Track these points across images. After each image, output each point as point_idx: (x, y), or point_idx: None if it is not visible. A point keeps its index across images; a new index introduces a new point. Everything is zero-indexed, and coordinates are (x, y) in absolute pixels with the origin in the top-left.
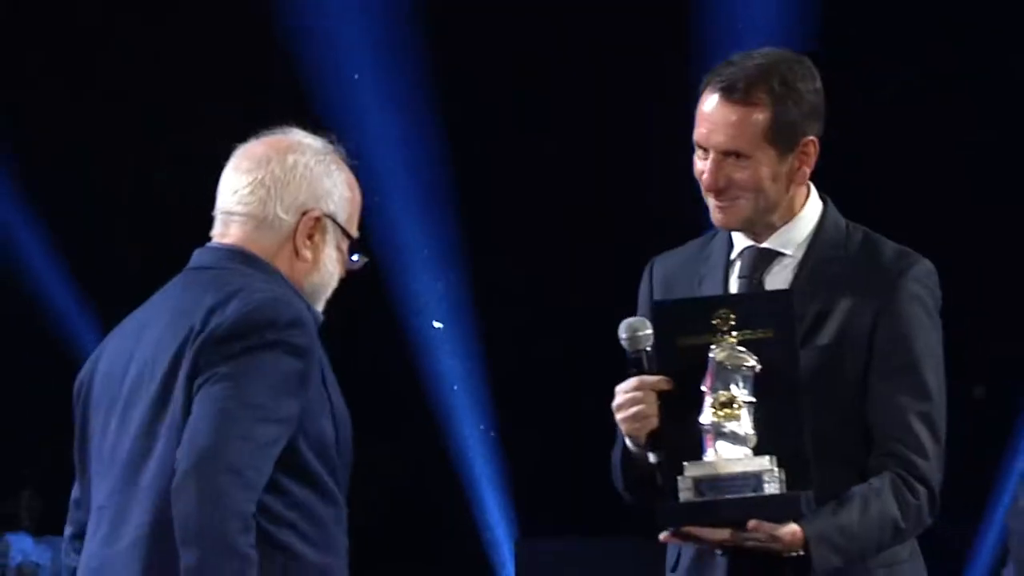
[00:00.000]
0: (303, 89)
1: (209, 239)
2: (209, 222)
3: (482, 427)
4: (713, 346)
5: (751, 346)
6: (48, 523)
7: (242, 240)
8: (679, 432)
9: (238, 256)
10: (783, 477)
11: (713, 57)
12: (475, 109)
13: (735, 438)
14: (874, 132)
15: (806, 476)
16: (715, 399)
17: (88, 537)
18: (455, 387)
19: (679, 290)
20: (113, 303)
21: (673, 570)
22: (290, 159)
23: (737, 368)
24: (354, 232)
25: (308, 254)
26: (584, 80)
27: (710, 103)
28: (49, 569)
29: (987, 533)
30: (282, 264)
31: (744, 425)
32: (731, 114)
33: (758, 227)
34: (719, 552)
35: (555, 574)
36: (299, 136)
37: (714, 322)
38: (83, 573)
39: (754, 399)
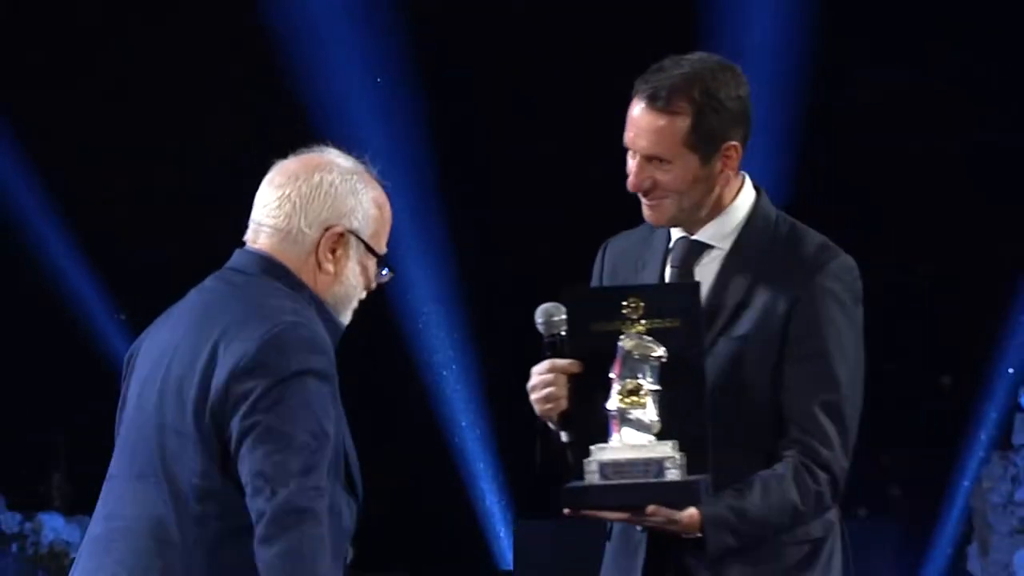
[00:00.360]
0: (292, 92)
1: (239, 242)
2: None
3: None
4: (622, 335)
5: (658, 334)
6: (78, 504)
7: (270, 249)
8: (588, 415)
9: (268, 265)
10: (684, 463)
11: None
12: (464, 108)
13: (640, 425)
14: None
15: (705, 461)
16: (622, 387)
17: (99, 501)
18: (444, 373)
19: (623, 272)
20: (135, 297)
21: (608, 538)
22: (316, 177)
23: (644, 358)
24: (380, 249)
25: (330, 267)
26: (573, 77)
27: (637, 109)
28: (78, 546)
29: (952, 512)
30: (307, 276)
31: (649, 413)
32: (654, 121)
33: (686, 223)
34: (639, 528)
35: (554, 554)
36: (331, 155)
37: (624, 310)
38: (88, 536)
39: (659, 387)
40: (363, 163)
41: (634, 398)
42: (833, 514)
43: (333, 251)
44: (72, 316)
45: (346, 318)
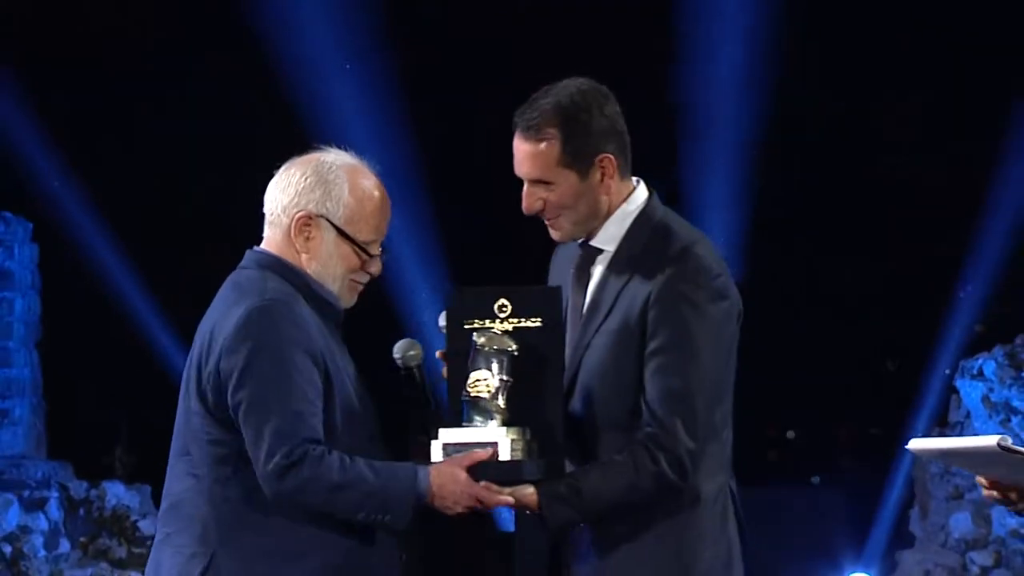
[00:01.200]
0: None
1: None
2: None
3: None
4: (475, 333)
5: (523, 332)
6: (137, 474)
7: (267, 238)
8: (456, 401)
9: (262, 257)
10: (524, 446)
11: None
12: (444, 98)
13: (483, 412)
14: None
15: (557, 446)
16: (472, 377)
17: None
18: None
19: (557, 274)
20: (173, 293)
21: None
22: (294, 170)
23: (495, 351)
24: (359, 235)
25: (302, 247)
26: (554, 69)
27: (516, 141)
28: (138, 511)
29: (896, 480)
30: (293, 259)
31: (495, 400)
32: (530, 149)
33: (585, 233)
34: None
35: None
36: (321, 152)
37: (495, 310)
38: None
39: (509, 378)
40: (362, 162)
41: (480, 387)
42: (709, 485)
43: (307, 236)
44: (130, 316)
45: (339, 295)
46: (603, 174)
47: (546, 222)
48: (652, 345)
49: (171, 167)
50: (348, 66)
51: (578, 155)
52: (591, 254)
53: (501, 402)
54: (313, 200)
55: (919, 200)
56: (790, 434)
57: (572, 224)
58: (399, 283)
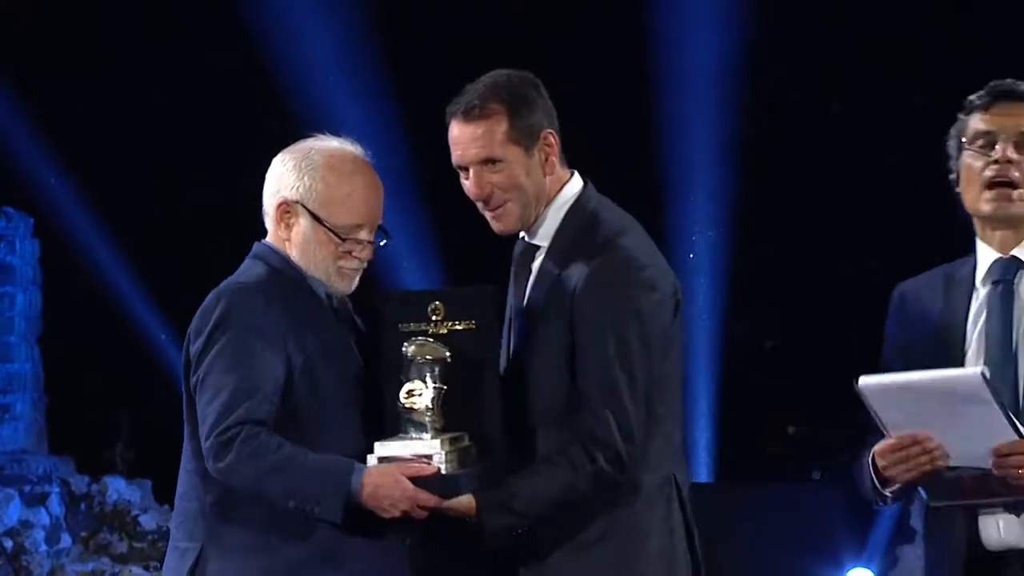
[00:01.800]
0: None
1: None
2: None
3: None
4: (406, 342)
5: (458, 335)
6: (138, 468)
7: (268, 235)
8: (391, 411)
9: (257, 247)
10: (457, 456)
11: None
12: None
13: (417, 424)
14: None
15: (497, 449)
16: (404, 388)
17: None
18: None
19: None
20: (174, 289)
21: None
22: (278, 158)
23: (426, 361)
24: (333, 219)
25: (284, 235)
26: (552, 68)
27: (456, 128)
28: (138, 505)
29: None
30: (282, 244)
31: (429, 411)
32: (475, 130)
33: (527, 224)
34: None
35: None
36: (310, 140)
37: (429, 312)
38: None
39: (443, 385)
40: (352, 145)
41: (413, 400)
42: (650, 478)
43: (288, 223)
44: (132, 311)
45: (327, 281)
46: (547, 153)
47: (490, 213)
48: (580, 339)
49: (173, 163)
50: (331, 78)
51: (524, 130)
52: (529, 251)
53: (436, 412)
54: (290, 186)
55: (918, 198)
56: (790, 429)
57: (521, 207)
58: (397, 282)
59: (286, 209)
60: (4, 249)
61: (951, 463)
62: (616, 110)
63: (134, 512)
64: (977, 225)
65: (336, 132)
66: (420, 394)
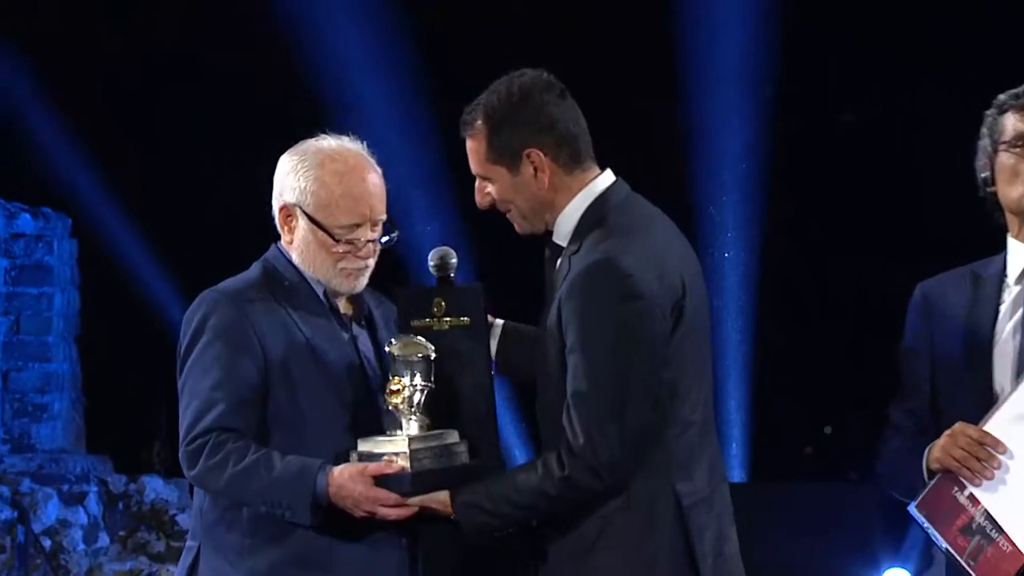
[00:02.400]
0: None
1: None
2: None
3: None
4: (392, 340)
5: (456, 331)
6: (176, 468)
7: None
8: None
9: (268, 250)
10: (431, 454)
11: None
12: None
13: (398, 420)
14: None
15: (489, 445)
16: (388, 386)
17: None
18: None
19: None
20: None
21: None
22: (280, 160)
23: (409, 359)
24: (330, 220)
25: (288, 238)
26: (582, 66)
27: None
28: (176, 504)
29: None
30: (287, 247)
31: (409, 409)
32: (469, 146)
33: (541, 227)
34: None
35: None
36: (310, 141)
37: (433, 308)
38: None
39: (428, 383)
40: (354, 145)
41: (396, 396)
42: (641, 488)
43: (290, 226)
44: (168, 311)
45: (328, 282)
46: (535, 168)
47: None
48: (567, 345)
49: (209, 163)
50: (365, 76)
51: (504, 150)
52: (555, 251)
53: (418, 409)
54: (288, 189)
55: (954, 200)
56: (827, 429)
57: (521, 218)
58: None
59: (287, 213)
60: (42, 249)
61: (985, 502)
62: (648, 110)
63: (171, 511)
64: (1012, 223)
65: (369, 131)
66: (402, 391)
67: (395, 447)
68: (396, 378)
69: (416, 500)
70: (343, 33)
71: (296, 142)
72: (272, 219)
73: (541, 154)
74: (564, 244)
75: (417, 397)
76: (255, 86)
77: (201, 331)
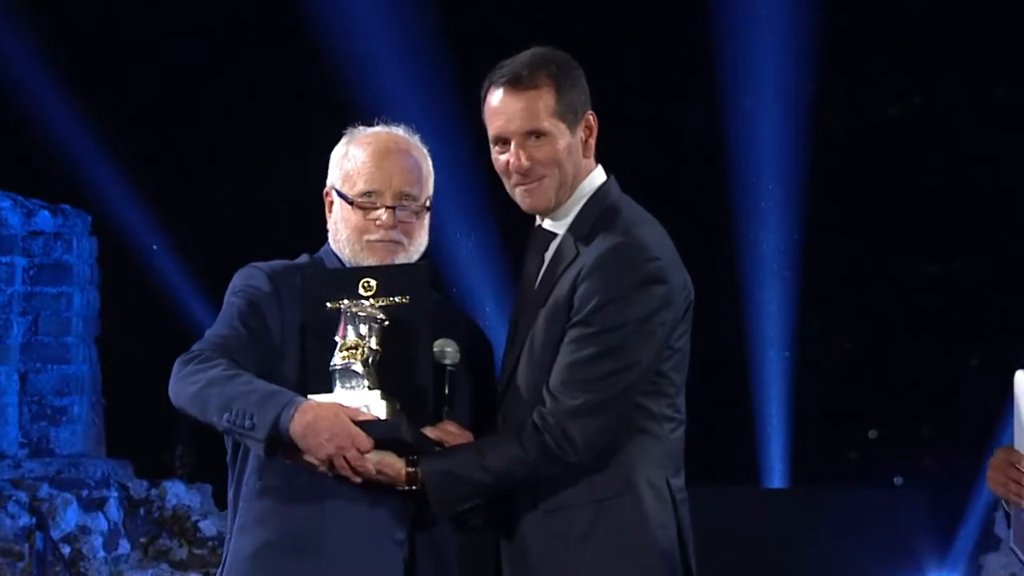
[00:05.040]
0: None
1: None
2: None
3: None
4: (346, 301)
5: (390, 310)
6: (198, 473)
7: None
8: (324, 384)
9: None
10: (391, 412)
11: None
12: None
13: (355, 377)
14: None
15: (427, 422)
16: (343, 343)
17: None
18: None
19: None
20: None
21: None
22: None
23: (367, 318)
24: (349, 190)
25: (330, 224)
26: (620, 64)
27: (500, 97)
28: (198, 511)
29: (982, 482)
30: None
31: (367, 367)
32: (522, 100)
33: (556, 205)
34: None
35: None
36: (355, 128)
37: (360, 289)
38: None
39: (378, 348)
40: (395, 130)
41: (352, 352)
42: (626, 477)
43: (331, 210)
44: (190, 311)
45: (353, 258)
46: (587, 135)
47: (523, 188)
48: (573, 319)
49: (231, 159)
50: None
51: (570, 107)
52: (544, 238)
53: (371, 370)
54: (330, 171)
55: (1004, 195)
56: (872, 433)
57: (556, 186)
58: (460, 274)
59: (329, 199)
60: (61, 248)
61: None
62: (684, 109)
63: (194, 518)
64: None
65: (398, 123)
66: (359, 350)
67: (363, 399)
68: (350, 337)
69: (377, 458)
70: (365, 27)
71: (319, 139)
72: (313, 211)
73: (595, 118)
74: (558, 231)
75: (371, 356)
76: (279, 82)
77: (233, 293)
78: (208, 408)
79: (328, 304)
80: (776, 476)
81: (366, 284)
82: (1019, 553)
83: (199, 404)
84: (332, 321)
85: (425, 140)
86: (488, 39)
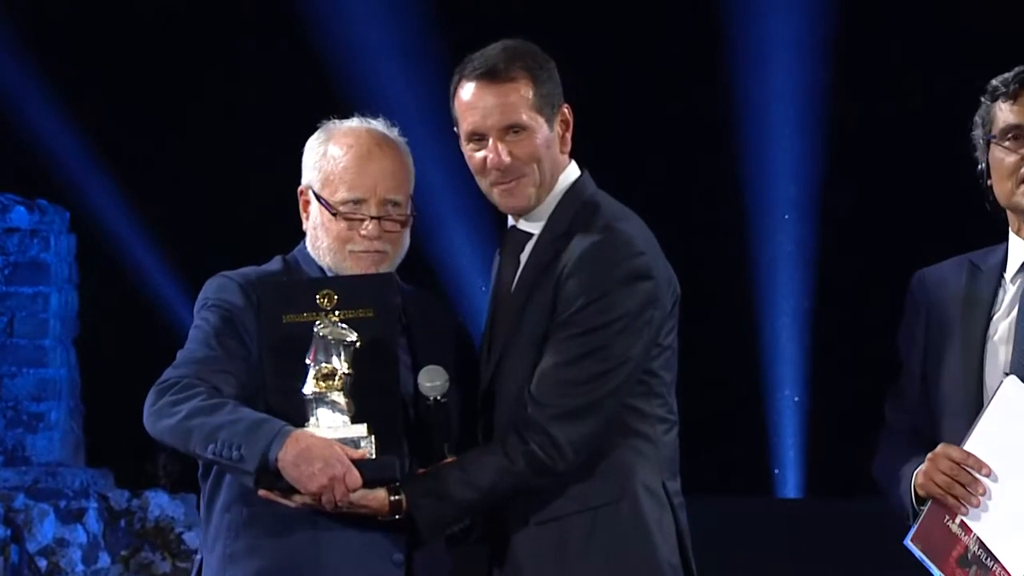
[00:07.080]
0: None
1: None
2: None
3: None
4: (317, 322)
5: (352, 324)
6: (181, 482)
7: None
8: (285, 403)
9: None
10: (375, 444)
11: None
12: None
13: (335, 407)
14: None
15: (397, 443)
16: (318, 371)
17: None
18: None
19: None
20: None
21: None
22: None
23: (339, 342)
24: (331, 197)
25: (304, 224)
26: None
27: (473, 92)
28: (182, 522)
29: None
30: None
31: (344, 395)
32: (499, 94)
33: (533, 204)
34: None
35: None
36: (335, 121)
37: (318, 301)
38: None
39: (351, 371)
40: (373, 124)
41: (329, 382)
42: (640, 481)
43: (307, 211)
44: (174, 312)
45: (335, 267)
46: (564, 128)
47: (501, 188)
48: (557, 318)
49: (215, 156)
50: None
51: (547, 99)
52: (519, 239)
53: (351, 401)
54: (305, 170)
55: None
56: None
57: (534, 185)
58: (453, 269)
59: (304, 196)
60: (38, 245)
61: (976, 529)
62: (700, 95)
63: (177, 529)
64: (1011, 219)
65: (391, 119)
66: (335, 377)
67: (351, 433)
68: (323, 364)
69: (359, 495)
70: (356, 23)
71: (309, 136)
72: (289, 215)
73: (570, 110)
74: (533, 231)
75: (346, 382)
76: (263, 79)
77: (205, 308)
78: (191, 440)
79: (284, 318)
80: (790, 487)
81: (327, 296)
82: (916, 551)
83: (180, 436)
84: (291, 337)
85: (422, 138)
86: (488, 38)
